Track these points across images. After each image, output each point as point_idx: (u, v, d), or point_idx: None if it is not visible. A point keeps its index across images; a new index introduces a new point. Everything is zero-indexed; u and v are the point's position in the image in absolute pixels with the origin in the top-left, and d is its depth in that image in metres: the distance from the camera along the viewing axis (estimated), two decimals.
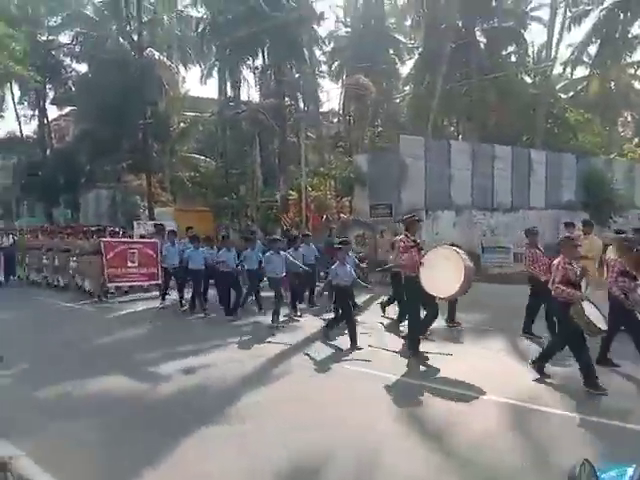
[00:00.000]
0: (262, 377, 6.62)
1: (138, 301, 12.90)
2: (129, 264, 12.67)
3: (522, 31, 31.08)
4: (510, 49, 31.89)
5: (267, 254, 10.17)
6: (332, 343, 8.29)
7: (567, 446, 4.40)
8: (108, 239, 13.18)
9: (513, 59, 32.78)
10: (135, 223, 20.04)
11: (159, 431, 4.86)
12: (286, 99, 26.23)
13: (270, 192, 24.41)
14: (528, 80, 32.41)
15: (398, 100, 34.74)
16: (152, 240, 13.42)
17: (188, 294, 11.56)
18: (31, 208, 36.43)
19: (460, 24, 28.75)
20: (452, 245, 8.15)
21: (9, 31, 18.99)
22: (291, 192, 22.51)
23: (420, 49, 31.69)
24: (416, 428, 5.04)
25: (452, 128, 35.27)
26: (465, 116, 31.50)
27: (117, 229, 15.70)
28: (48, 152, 32.53)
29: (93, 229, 15.71)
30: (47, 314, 11.70)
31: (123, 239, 13.90)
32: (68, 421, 5.11)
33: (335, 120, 35.23)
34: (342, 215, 21.60)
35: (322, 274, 12.02)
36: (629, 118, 38.94)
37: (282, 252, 10.25)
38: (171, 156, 28.56)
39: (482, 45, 30.06)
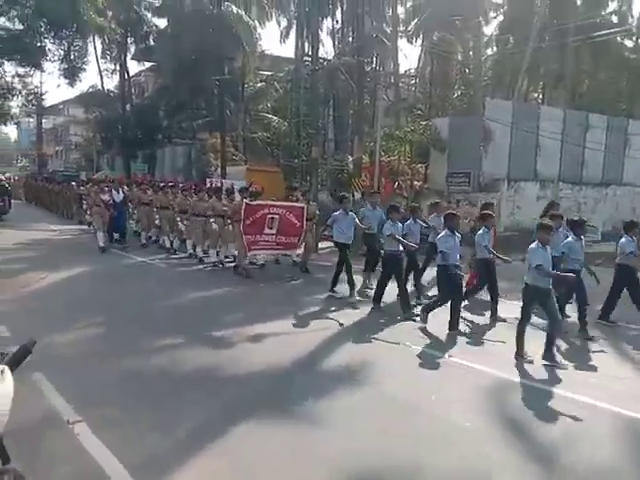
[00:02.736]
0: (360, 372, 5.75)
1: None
2: (266, 230, 10.63)
3: None
4: (611, 7, 29.06)
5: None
6: None
7: None
8: (254, 202, 10.93)
9: (614, 20, 29.94)
10: (207, 180, 20.18)
11: (215, 410, 4.56)
12: (362, 57, 25.23)
13: (341, 155, 23.81)
14: (629, 44, 29.60)
15: (481, 62, 32.77)
16: (299, 205, 11.25)
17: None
18: (111, 161, 37.81)
19: None
20: None
21: None
22: (363, 156, 21.81)
23: (506, 7, 29.47)
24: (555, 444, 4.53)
25: (536, 94, 33.01)
26: (554, 81, 29.28)
27: (259, 188, 13.31)
28: (128, 107, 33.28)
29: (228, 187, 13.35)
30: (156, 282, 10.50)
31: (269, 202, 11.59)
32: (131, 389, 4.96)
33: (412, 82, 33.82)
34: (415, 182, 20.78)
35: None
36: None
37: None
38: (245, 115, 28.47)
39: (579, 2, 27.49)
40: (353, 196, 19.77)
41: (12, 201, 22.67)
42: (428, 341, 6.70)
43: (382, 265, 8.50)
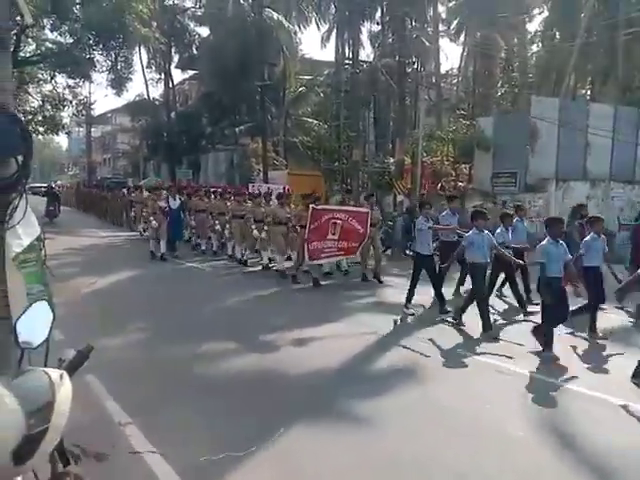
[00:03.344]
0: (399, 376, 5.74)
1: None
2: (329, 235, 10.30)
3: None
4: None
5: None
6: None
7: None
8: (320, 206, 10.74)
9: None
10: (250, 185, 20.38)
11: (264, 413, 4.55)
12: (403, 58, 25.03)
13: (382, 157, 23.68)
14: None
15: (526, 59, 31.98)
16: (364, 210, 10.82)
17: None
18: (157, 168, 38.76)
19: None
20: None
21: None
22: (405, 157, 21.63)
23: (551, 2, 28.64)
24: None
25: (584, 90, 31.96)
26: (603, 77, 28.25)
27: (316, 194, 12.36)
28: (173, 115, 34.05)
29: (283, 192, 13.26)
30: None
31: (334, 207, 11.49)
32: (180, 392, 5.00)
33: (454, 81, 33.38)
34: (459, 183, 20.44)
35: None
36: None
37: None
38: (286, 119, 28.69)
39: None
40: (395, 198, 19.64)
41: (61, 207, 24.85)
42: (482, 349, 6.50)
43: (471, 278, 7.37)
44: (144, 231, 17.15)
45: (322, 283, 10.42)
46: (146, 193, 17.80)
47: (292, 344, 6.51)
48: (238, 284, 10.77)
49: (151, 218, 13.28)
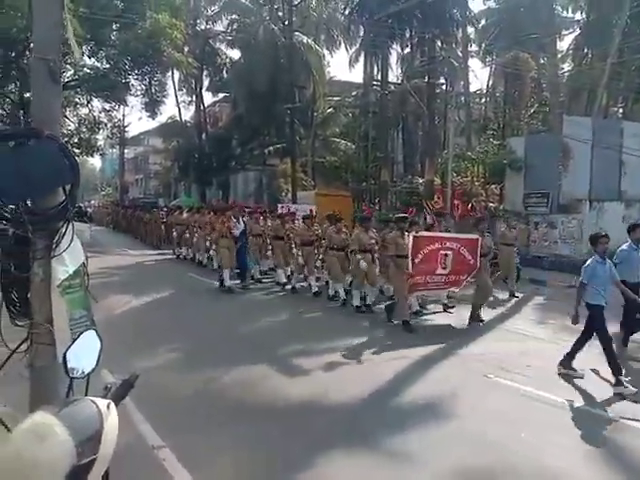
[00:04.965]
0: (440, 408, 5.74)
1: None
2: (439, 270, 8.69)
3: None
4: None
5: None
6: None
7: None
8: (422, 233, 9.05)
9: None
10: (279, 205, 20.54)
11: (298, 439, 4.50)
12: (433, 79, 25.12)
13: (411, 177, 23.67)
14: None
15: (557, 78, 31.65)
16: (474, 237, 9.12)
17: None
18: (187, 188, 39.45)
19: None
20: None
21: (171, 21, 20.25)
22: (434, 177, 21.58)
23: (584, 16, 28.37)
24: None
25: (615, 108, 31.43)
26: (635, 94, 27.76)
27: (411, 216, 10.99)
28: (203, 136, 34.71)
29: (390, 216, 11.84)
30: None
31: (441, 234, 9.64)
32: (213, 417, 4.99)
33: (483, 101, 33.23)
34: (490, 204, 20.24)
35: None
36: None
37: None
38: (314, 140, 28.96)
39: None
40: (425, 219, 19.52)
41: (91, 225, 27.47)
42: (520, 376, 6.30)
43: None
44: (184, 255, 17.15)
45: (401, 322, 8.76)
46: (185, 214, 17.94)
47: (325, 369, 6.44)
48: (278, 308, 10.53)
49: (217, 243, 12.31)
